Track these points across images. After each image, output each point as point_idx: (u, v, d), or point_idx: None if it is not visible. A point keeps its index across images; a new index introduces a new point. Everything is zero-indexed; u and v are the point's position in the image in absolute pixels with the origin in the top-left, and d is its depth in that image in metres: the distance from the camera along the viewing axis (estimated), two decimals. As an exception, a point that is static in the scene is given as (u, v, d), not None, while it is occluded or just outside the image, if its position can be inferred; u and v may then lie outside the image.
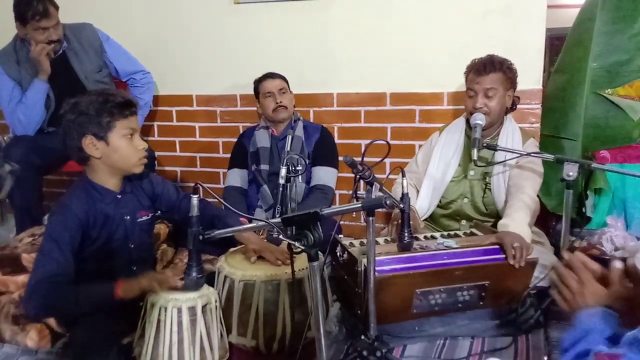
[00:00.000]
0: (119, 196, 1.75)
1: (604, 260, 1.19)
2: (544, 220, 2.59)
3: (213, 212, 1.93)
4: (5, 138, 2.99)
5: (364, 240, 1.81)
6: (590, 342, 0.97)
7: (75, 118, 1.62)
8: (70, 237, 1.60)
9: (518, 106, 2.40)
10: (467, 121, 2.37)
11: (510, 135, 2.29)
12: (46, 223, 1.68)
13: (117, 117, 1.64)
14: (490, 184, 2.28)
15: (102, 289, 1.56)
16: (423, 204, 2.34)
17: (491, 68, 2.20)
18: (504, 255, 1.84)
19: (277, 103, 2.56)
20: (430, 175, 2.35)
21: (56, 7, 2.56)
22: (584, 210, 2.62)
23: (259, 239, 1.93)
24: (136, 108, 1.72)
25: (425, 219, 2.41)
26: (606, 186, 2.53)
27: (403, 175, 1.64)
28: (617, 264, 1.15)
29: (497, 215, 2.27)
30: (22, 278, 1.95)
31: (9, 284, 1.98)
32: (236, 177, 2.68)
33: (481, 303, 1.87)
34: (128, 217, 1.77)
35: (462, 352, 1.75)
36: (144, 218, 1.83)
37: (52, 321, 1.80)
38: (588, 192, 2.60)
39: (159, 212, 1.96)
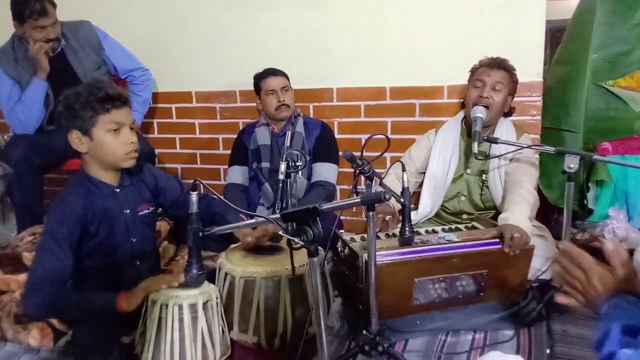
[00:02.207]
0: (117, 190, 1.74)
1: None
2: (546, 213, 2.59)
3: (215, 209, 1.92)
4: (4, 137, 2.99)
5: (365, 235, 1.81)
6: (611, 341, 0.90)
7: (63, 111, 1.61)
8: (68, 233, 1.59)
9: (519, 99, 2.42)
10: (463, 121, 2.40)
11: (505, 131, 2.32)
12: (45, 219, 1.68)
13: (100, 112, 1.60)
14: (487, 180, 2.29)
15: (104, 301, 1.55)
16: (426, 204, 2.35)
17: (502, 66, 2.28)
18: (501, 245, 1.85)
19: (279, 101, 2.54)
20: (432, 175, 2.36)
21: (54, 5, 2.55)
22: (585, 202, 2.61)
23: (249, 230, 1.86)
24: (122, 101, 1.65)
25: (430, 218, 2.42)
26: (608, 178, 2.53)
27: (403, 170, 1.64)
28: (608, 245, 1.11)
29: (496, 208, 2.28)
30: (24, 277, 1.95)
31: (10, 283, 1.98)
32: (237, 175, 2.67)
33: (481, 294, 1.87)
34: (128, 210, 1.76)
35: (464, 346, 1.75)
36: (145, 211, 1.82)
37: (54, 319, 1.80)
38: (590, 184, 2.59)
39: (163, 207, 1.95)
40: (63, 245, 1.58)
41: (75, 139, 1.62)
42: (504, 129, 2.32)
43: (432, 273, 1.80)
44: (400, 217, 1.69)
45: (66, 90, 1.64)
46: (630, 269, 1.08)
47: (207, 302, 1.57)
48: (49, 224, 1.62)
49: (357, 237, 1.97)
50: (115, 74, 2.90)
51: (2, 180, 2.47)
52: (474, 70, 2.36)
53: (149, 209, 1.84)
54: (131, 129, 1.69)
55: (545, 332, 1.80)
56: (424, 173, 2.40)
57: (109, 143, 1.64)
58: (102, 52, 2.81)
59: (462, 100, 2.44)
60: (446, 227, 2.08)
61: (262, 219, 1.29)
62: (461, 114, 2.44)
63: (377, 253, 1.68)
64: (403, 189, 1.62)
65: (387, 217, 2.02)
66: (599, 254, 1.14)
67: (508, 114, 2.38)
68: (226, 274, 1.74)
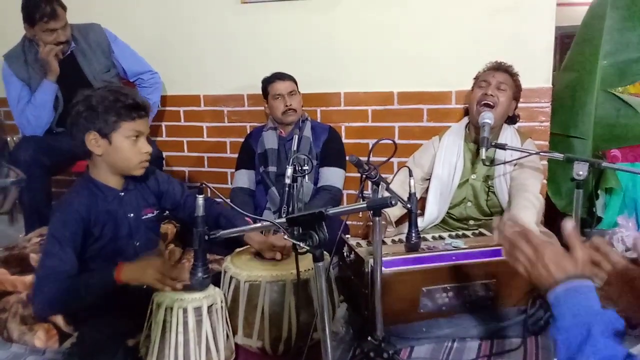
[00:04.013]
0: (122, 194, 1.76)
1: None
2: (554, 220, 2.56)
3: (218, 211, 1.93)
4: (14, 138, 3.01)
5: (372, 240, 1.80)
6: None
7: (84, 111, 1.62)
8: (71, 234, 1.60)
9: (528, 105, 2.43)
10: (467, 127, 2.41)
11: (509, 137, 2.32)
12: (49, 221, 1.68)
13: (124, 118, 1.63)
14: (492, 186, 2.29)
15: (101, 274, 1.57)
16: (432, 210, 2.34)
17: (506, 70, 2.32)
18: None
19: (286, 106, 2.54)
20: (437, 181, 2.36)
21: (64, 8, 2.57)
22: (594, 210, 2.59)
23: (262, 237, 1.87)
24: (146, 111, 1.70)
25: (437, 224, 2.42)
26: (617, 185, 2.50)
27: (411, 175, 1.63)
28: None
29: (502, 214, 2.27)
30: (31, 278, 1.95)
31: (17, 284, 1.98)
32: (243, 178, 2.67)
33: (489, 303, 1.85)
34: (132, 214, 1.77)
35: (470, 354, 1.73)
36: (149, 215, 1.83)
37: (60, 321, 1.80)
38: (599, 191, 2.57)
39: (165, 210, 1.95)
40: (66, 247, 1.58)
41: (92, 140, 1.64)
42: (508, 135, 2.33)
43: (440, 282, 1.79)
44: (394, 224, 1.67)
45: (85, 91, 1.66)
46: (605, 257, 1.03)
47: (211, 305, 1.57)
48: (52, 226, 1.63)
49: (363, 243, 1.97)
50: (124, 76, 2.91)
51: (15, 186, 2.49)
52: (478, 76, 2.38)
53: (153, 213, 1.85)
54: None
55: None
56: (428, 179, 2.40)
57: (126, 150, 1.66)
58: (112, 55, 2.82)
59: (467, 105, 2.44)
60: (453, 234, 2.07)
61: (268, 222, 1.28)
62: (465, 120, 2.46)
63: (384, 259, 1.67)
64: (410, 194, 1.61)
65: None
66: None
67: (512, 121, 2.38)
68: (231, 277, 1.74)
